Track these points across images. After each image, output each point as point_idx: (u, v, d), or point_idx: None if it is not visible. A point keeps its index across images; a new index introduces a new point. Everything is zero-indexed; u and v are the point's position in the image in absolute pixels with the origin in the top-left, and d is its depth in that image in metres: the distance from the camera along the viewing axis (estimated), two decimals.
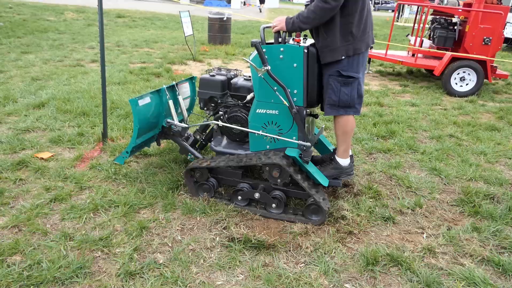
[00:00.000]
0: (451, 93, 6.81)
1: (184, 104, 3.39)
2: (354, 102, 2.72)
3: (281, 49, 2.60)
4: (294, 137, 2.75)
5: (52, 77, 6.05)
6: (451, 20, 7.60)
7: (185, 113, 3.41)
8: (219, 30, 10.50)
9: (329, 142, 3.32)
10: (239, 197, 2.83)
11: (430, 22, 8.11)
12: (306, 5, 2.71)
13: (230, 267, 2.25)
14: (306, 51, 2.59)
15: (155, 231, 2.53)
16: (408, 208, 2.99)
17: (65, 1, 19.53)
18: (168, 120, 3.16)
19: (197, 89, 3.24)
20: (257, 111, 2.77)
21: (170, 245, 2.41)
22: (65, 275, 2.07)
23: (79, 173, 3.18)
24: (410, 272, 2.28)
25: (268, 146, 2.85)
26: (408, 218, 2.88)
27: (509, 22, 12.97)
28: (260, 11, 26.21)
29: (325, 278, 2.21)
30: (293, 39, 2.70)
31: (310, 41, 2.77)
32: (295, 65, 2.61)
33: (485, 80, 6.82)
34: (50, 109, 4.54)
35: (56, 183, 3.00)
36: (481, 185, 3.42)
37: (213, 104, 3.12)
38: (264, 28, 2.71)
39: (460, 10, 7.31)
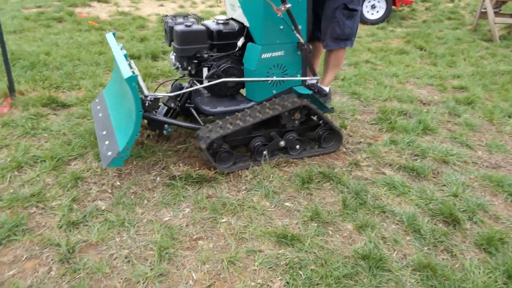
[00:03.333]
0: (364, 21, 7.12)
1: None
2: (354, 35, 2.87)
3: None
4: (298, 75, 2.70)
5: None
6: None
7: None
8: None
9: None
10: (265, 152, 2.65)
11: None
12: None
13: (175, 203, 2.28)
14: None
15: (91, 180, 2.44)
16: None
17: None
18: (147, 93, 2.54)
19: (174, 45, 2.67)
20: (262, 57, 2.57)
21: (110, 191, 2.35)
22: (1, 235, 1.95)
23: None
24: (341, 185, 2.52)
25: (274, 91, 2.70)
26: None
27: None
28: None
29: (267, 200, 2.35)
30: None
31: None
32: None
33: (393, 7, 7.23)
34: None
35: None
36: (395, 104, 3.76)
37: (195, 61, 2.67)
38: None
39: None
